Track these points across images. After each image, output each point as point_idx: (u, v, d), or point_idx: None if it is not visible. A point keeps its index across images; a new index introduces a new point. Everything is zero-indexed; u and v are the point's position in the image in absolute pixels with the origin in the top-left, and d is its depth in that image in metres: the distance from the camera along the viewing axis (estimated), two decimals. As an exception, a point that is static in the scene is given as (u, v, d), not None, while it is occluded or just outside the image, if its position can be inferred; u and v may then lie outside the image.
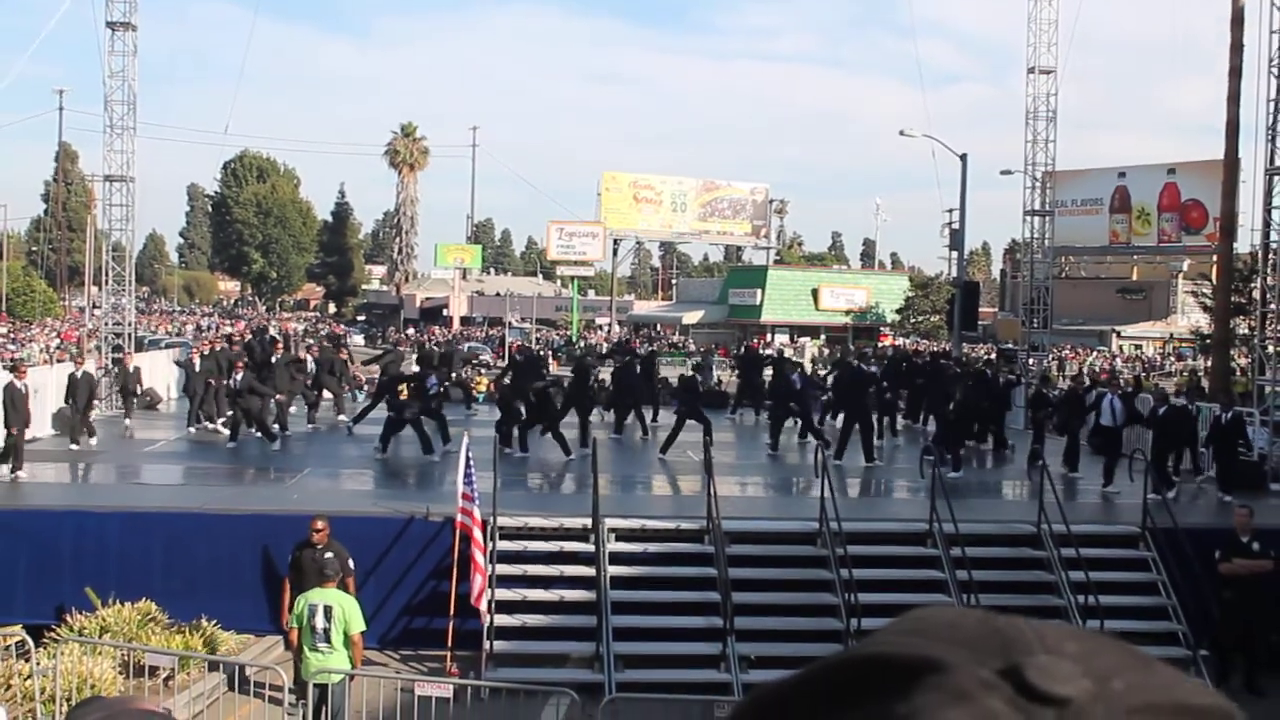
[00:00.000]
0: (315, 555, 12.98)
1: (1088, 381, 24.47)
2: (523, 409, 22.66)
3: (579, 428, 22.82)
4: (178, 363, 30.18)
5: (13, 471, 18.72)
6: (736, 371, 35.41)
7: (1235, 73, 31.66)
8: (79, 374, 23.19)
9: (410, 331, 66.03)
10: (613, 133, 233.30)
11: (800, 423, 24.41)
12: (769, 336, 60.75)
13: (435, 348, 34.73)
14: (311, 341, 38.83)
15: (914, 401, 28.53)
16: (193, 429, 24.97)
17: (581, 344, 40.48)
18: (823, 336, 61.23)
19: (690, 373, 26.50)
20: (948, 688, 0.53)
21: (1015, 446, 24.72)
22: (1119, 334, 67.61)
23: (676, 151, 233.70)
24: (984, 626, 0.58)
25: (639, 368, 27.96)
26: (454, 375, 29.81)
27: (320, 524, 13.36)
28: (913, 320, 64.51)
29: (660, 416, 27.09)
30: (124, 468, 21.51)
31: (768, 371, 29.03)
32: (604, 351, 35.87)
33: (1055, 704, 0.53)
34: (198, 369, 25.99)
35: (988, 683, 0.53)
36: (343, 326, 64.44)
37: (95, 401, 24.52)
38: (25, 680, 12.08)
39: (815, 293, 68.14)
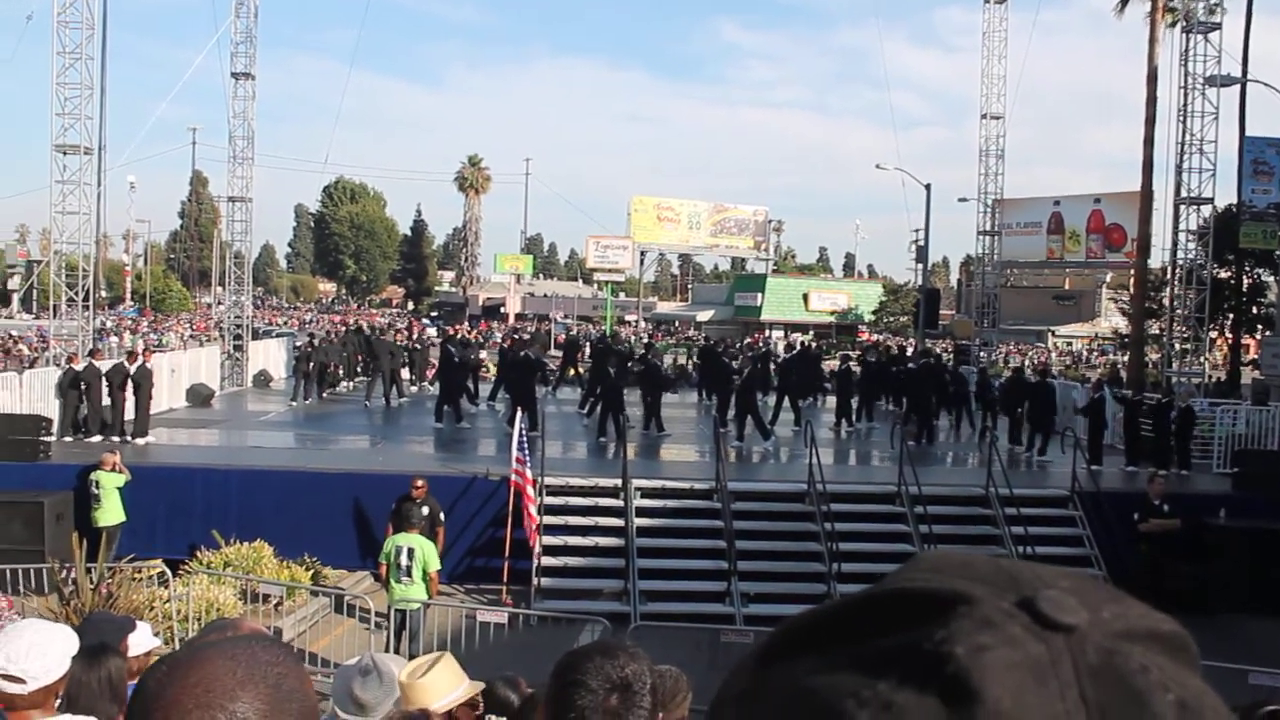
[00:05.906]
0: (412, 507, 13.18)
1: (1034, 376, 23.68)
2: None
3: (647, 412, 21.51)
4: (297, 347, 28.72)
5: (143, 437, 18.79)
6: (696, 364, 32.22)
7: (1150, 121, 31.42)
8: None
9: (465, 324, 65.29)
10: (641, 163, 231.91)
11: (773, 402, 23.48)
12: (766, 332, 60.43)
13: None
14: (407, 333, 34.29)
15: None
16: (294, 402, 24.97)
17: (647, 341, 36.86)
18: (811, 332, 60.76)
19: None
20: (976, 616, 0.52)
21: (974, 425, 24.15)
22: (1054, 333, 67.21)
23: (693, 179, 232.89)
24: (993, 566, 0.57)
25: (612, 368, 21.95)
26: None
27: (420, 482, 13.54)
28: (885, 320, 64.17)
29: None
30: (241, 433, 21.61)
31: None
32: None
33: (1063, 630, 0.53)
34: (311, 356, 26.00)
35: (1009, 612, 0.53)
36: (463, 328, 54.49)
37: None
38: (165, 603, 12.23)
39: (805, 297, 67.81)
